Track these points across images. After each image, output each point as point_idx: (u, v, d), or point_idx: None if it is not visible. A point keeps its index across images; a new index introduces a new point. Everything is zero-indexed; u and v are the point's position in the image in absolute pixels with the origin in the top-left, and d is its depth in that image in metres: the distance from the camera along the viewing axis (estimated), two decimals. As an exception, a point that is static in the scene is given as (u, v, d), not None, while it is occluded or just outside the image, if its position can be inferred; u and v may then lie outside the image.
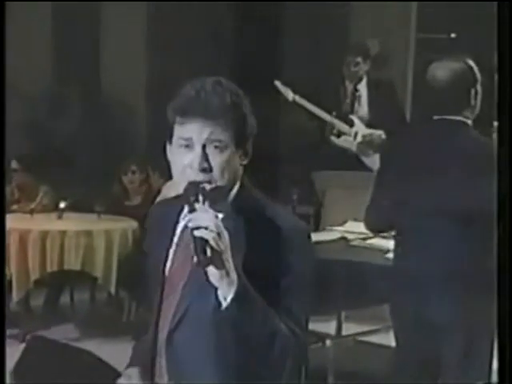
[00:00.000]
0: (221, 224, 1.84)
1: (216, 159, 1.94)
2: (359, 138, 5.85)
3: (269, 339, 1.87)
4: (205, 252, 1.80)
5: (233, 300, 1.82)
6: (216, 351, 1.93)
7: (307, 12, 7.37)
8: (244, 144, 1.99)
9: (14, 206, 6.17)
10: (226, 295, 1.83)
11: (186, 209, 1.90)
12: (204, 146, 1.93)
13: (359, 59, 6.15)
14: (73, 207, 6.09)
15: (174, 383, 2.01)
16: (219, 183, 1.94)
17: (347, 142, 5.89)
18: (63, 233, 5.55)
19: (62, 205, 5.96)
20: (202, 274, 1.87)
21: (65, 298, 6.28)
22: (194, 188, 1.91)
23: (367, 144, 5.81)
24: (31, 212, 6.07)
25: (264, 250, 1.92)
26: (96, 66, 8.14)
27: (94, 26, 8.07)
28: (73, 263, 5.53)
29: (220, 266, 1.81)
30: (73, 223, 5.83)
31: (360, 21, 7.30)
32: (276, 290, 1.92)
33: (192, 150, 1.94)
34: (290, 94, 5.94)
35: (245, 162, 2.02)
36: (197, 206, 1.88)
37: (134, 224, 5.74)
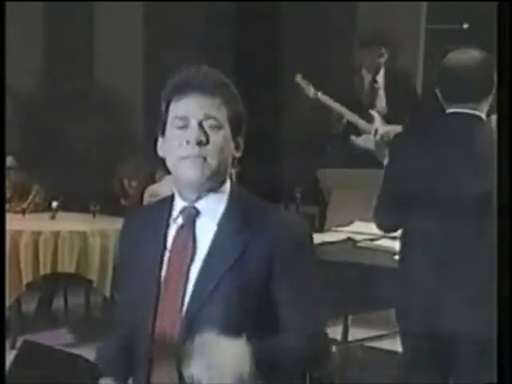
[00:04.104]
0: None
1: (212, 136, 2.07)
2: (378, 137, 5.79)
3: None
4: None
5: None
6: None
7: (313, 2, 7.36)
8: (236, 134, 2.13)
9: (6, 206, 6.17)
10: None
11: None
12: (200, 123, 2.06)
13: (383, 50, 6.05)
14: (66, 207, 6.09)
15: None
16: (213, 161, 2.06)
17: (368, 142, 5.86)
18: (56, 233, 5.54)
19: (55, 204, 5.96)
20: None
21: (58, 302, 6.29)
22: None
23: (385, 144, 5.72)
24: (23, 212, 6.09)
25: (263, 247, 2.04)
26: (92, 64, 8.15)
27: (91, 25, 8.08)
28: (67, 265, 5.52)
29: None
30: (67, 223, 5.83)
31: (368, 11, 7.29)
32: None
33: (188, 129, 2.07)
34: (311, 90, 5.86)
35: (238, 155, 2.15)
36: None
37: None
